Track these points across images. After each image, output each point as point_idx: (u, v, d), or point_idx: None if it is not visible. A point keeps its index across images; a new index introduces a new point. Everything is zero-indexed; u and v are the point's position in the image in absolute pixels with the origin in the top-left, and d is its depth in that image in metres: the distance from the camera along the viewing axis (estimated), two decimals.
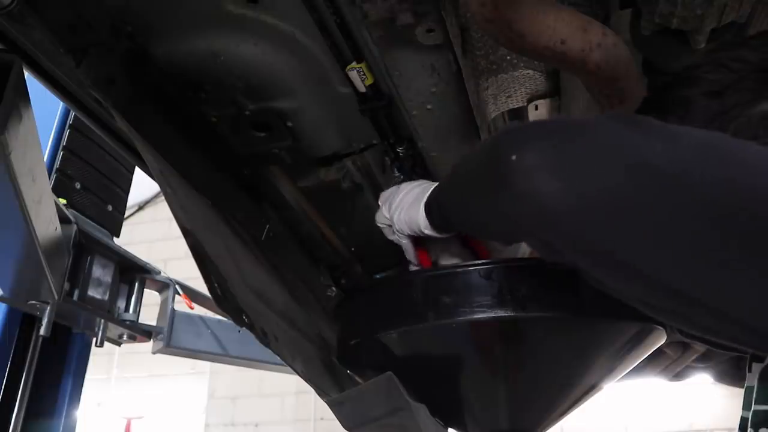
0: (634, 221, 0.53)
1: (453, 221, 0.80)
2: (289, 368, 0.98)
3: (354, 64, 0.94)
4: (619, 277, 0.56)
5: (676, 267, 0.52)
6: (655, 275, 0.53)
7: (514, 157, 0.58)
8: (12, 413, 1.57)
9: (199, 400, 6.59)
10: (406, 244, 0.94)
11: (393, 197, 0.92)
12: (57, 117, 1.81)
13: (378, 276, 1.45)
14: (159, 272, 2.01)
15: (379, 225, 0.97)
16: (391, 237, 0.95)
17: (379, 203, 0.97)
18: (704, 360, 1.26)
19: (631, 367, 0.99)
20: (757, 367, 0.82)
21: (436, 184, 0.86)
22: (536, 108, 1.19)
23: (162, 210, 6.75)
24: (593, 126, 0.59)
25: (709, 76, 0.74)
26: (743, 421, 0.81)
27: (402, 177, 1.19)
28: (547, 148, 0.58)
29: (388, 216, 0.93)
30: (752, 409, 0.79)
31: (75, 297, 1.62)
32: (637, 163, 0.53)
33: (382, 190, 1.26)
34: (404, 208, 0.89)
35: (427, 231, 0.85)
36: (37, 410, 1.70)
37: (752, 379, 0.82)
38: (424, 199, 0.85)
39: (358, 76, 0.95)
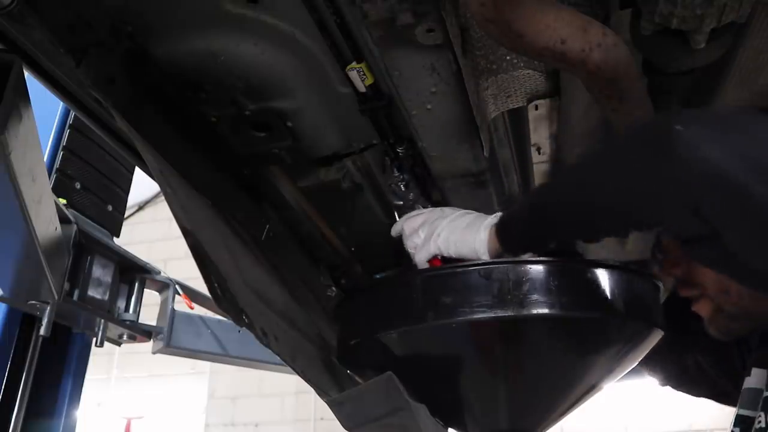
0: None
1: (553, 235, 0.82)
2: (289, 368, 0.98)
3: (354, 64, 0.94)
4: None
5: None
6: None
7: (679, 127, 0.61)
8: (12, 413, 1.57)
9: (199, 400, 6.59)
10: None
11: (436, 223, 0.91)
12: (57, 117, 1.81)
13: (378, 276, 1.45)
14: (159, 272, 2.01)
15: (409, 250, 0.95)
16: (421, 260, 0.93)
17: (404, 228, 0.96)
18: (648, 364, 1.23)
19: (631, 367, 0.99)
20: (760, 372, 0.83)
21: (488, 216, 0.87)
22: (536, 108, 1.19)
23: (162, 210, 6.74)
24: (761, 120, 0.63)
25: None
26: (748, 420, 0.82)
27: (402, 177, 1.19)
28: (711, 123, 0.63)
29: (421, 237, 0.91)
30: None
31: (75, 297, 1.62)
32: None
33: (382, 190, 1.26)
34: (456, 230, 0.88)
35: (484, 256, 0.85)
36: (37, 410, 1.70)
37: (758, 383, 0.83)
38: (485, 224, 0.85)
39: (358, 76, 0.95)
